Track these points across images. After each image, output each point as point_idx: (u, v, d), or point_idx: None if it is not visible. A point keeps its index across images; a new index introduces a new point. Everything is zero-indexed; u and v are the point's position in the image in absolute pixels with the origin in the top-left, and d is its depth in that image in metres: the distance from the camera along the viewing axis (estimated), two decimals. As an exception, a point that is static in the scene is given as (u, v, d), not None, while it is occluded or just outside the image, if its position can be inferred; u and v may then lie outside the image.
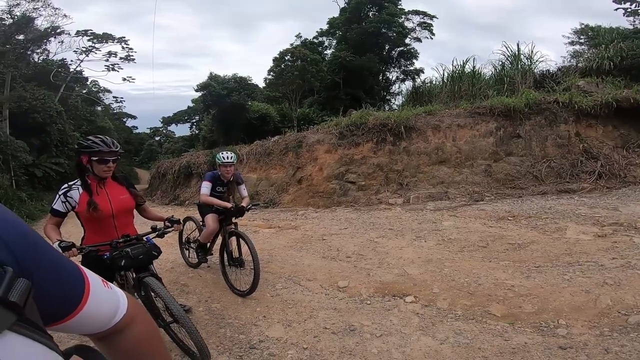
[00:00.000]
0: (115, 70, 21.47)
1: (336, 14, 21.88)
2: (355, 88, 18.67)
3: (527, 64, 11.29)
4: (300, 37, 22.55)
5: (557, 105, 8.51)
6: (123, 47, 20.76)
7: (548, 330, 2.67)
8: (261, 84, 21.78)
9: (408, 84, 19.65)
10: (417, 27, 21.11)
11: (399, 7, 20.39)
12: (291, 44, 21.07)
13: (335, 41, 22.08)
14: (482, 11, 50.60)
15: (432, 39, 21.42)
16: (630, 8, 13.93)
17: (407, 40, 21.12)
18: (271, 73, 18.17)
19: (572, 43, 15.41)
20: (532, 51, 11.29)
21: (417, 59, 21.63)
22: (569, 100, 8.53)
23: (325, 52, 22.32)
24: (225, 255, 3.69)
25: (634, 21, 14.07)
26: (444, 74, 11.82)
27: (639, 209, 5.42)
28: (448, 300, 3.18)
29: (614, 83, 9.97)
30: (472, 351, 2.44)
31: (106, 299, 0.58)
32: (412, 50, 21.34)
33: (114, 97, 31.50)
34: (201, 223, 4.00)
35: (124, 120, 37.98)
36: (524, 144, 8.27)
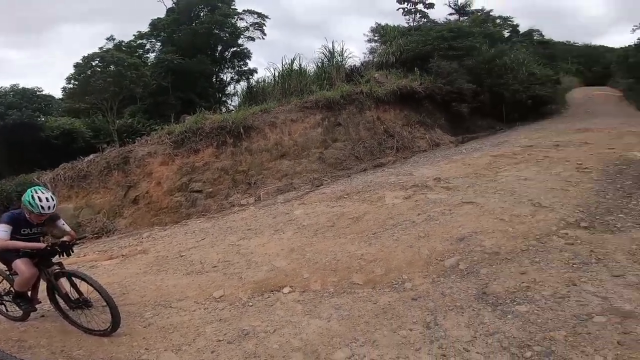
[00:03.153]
0: None
1: (161, 14, 19.77)
2: (186, 92, 17.35)
3: (339, 60, 13.23)
4: (114, 39, 19.21)
5: (362, 95, 10.48)
6: None
7: (399, 286, 3.35)
8: (59, 95, 17.58)
9: (243, 84, 19.62)
10: (250, 27, 21.27)
11: (232, 7, 19.95)
12: (100, 48, 17.67)
13: (159, 43, 19.92)
14: (306, 11, 55.10)
15: (264, 38, 21.98)
16: (407, 7, 18.09)
17: (240, 41, 20.98)
18: (72, 82, 14.87)
19: (369, 40, 18.67)
20: (342, 49, 13.51)
21: (250, 59, 21.68)
22: (369, 90, 10.65)
23: (148, 55, 19.86)
24: (60, 300, 3.02)
25: (409, 20, 18.34)
26: (275, 73, 12.55)
27: (426, 171, 7.41)
28: (319, 282, 3.57)
29: (396, 74, 12.95)
30: (355, 319, 2.89)
31: None
32: (245, 50, 21.30)
33: None
34: (8, 272, 3.11)
35: None
36: (344, 131, 9.84)
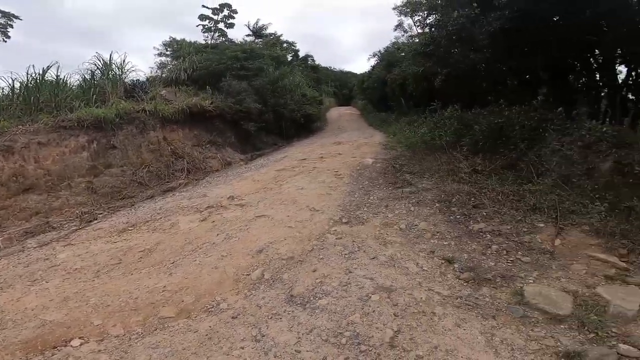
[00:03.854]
0: None
1: None
2: None
3: (118, 73, 11.38)
4: None
5: (145, 114, 9.40)
6: None
7: (215, 309, 3.21)
8: None
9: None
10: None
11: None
12: None
13: None
14: (84, 15, 43.10)
15: (5, 41, 15.52)
16: (207, 25, 17.36)
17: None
18: None
19: (160, 54, 16.92)
20: (124, 61, 11.59)
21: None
22: (154, 108, 9.68)
23: None
24: None
25: (207, 37, 17.70)
26: (13, 84, 9.11)
27: (220, 191, 7.41)
28: (119, 326, 3.03)
29: (186, 92, 12.36)
30: (180, 353, 2.64)
31: None
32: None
33: None
34: None
35: None
36: (121, 154, 8.47)
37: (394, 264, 3.85)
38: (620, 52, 8.25)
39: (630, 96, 9.69)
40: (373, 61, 24.54)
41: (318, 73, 36.53)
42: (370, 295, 3.26)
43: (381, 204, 5.77)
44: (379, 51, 23.93)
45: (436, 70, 11.90)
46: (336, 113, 29.42)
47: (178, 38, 16.89)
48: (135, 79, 12.85)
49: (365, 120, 23.77)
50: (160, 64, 15.84)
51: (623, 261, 3.53)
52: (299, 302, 3.26)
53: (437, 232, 4.58)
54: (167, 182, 8.65)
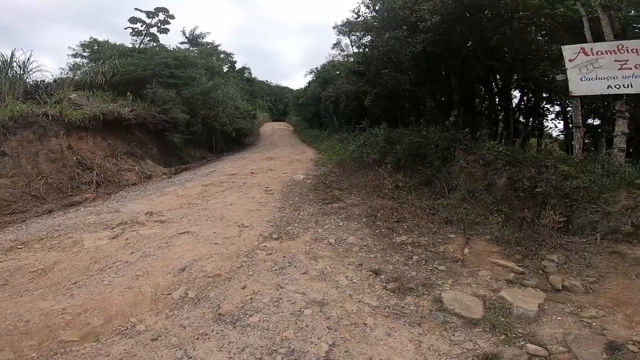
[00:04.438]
0: None
1: None
2: None
3: (19, 72, 10.02)
4: None
5: (46, 118, 8.21)
6: None
7: (130, 331, 2.87)
8: None
9: None
10: None
11: None
12: None
13: None
14: None
15: None
16: (137, 28, 15.68)
17: None
18: None
19: (75, 55, 14.92)
20: (28, 59, 10.21)
21: None
22: (59, 112, 8.52)
23: None
24: None
25: (136, 41, 16.00)
26: None
27: (136, 206, 6.73)
28: (9, 350, 2.60)
29: (102, 97, 11.11)
30: None
31: None
32: None
33: None
34: None
35: None
36: (12, 163, 7.23)
37: (325, 277, 3.86)
38: (515, 77, 9.76)
39: (521, 119, 11.45)
40: (309, 78, 25.27)
41: (254, 86, 36.29)
42: (302, 309, 3.21)
43: (311, 220, 5.80)
44: (316, 68, 24.80)
45: (367, 90, 12.72)
46: (270, 128, 29.33)
47: (100, 39, 15.24)
48: (39, 79, 11.33)
49: (299, 137, 24.11)
50: (74, 64, 14.08)
51: (519, 266, 4.04)
52: (228, 320, 3.05)
53: (365, 246, 4.74)
54: (70, 195, 7.57)
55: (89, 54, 14.83)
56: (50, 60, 41.15)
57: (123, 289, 3.54)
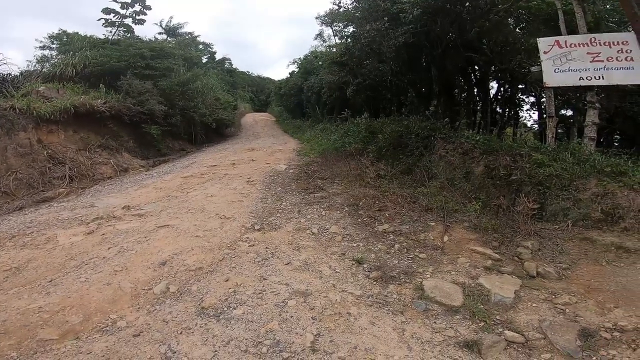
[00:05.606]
0: None
1: None
2: None
3: None
4: None
5: (14, 112, 7.84)
6: None
7: (111, 328, 2.81)
8: None
9: None
10: None
11: None
12: None
13: None
14: None
15: None
16: (111, 19, 14.84)
17: None
18: None
19: (43, 47, 14.12)
20: None
21: None
22: (27, 106, 8.15)
23: None
24: None
25: (110, 31, 15.19)
26: None
27: (112, 200, 6.52)
28: None
29: (73, 89, 10.65)
30: None
31: None
32: None
33: None
34: None
35: None
36: (-23, 158, 6.84)
37: (308, 268, 3.87)
38: (493, 69, 9.96)
39: (498, 109, 11.75)
40: (292, 68, 25.02)
41: (235, 77, 35.65)
42: (286, 301, 3.21)
43: (294, 210, 5.79)
44: (299, 59, 24.57)
45: (349, 80, 12.69)
46: (251, 119, 28.89)
47: (70, 31, 14.55)
48: (5, 72, 10.72)
49: (280, 127, 23.88)
50: (42, 57, 13.44)
51: (496, 253, 4.18)
52: (211, 313, 3.03)
53: (347, 235, 4.78)
54: (42, 191, 7.25)
55: (57, 45, 14.25)
56: (16, 52, 38.85)
57: (101, 285, 3.44)
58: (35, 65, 12.92)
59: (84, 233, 4.82)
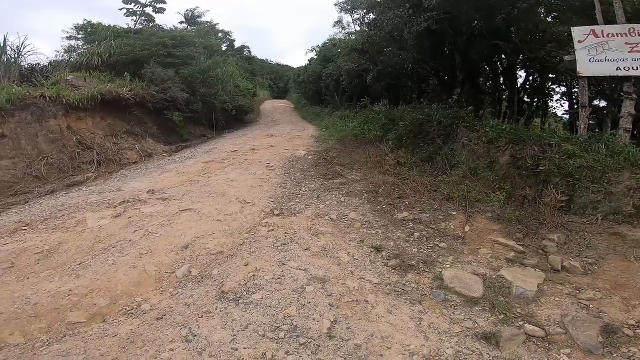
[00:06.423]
0: None
1: None
2: None
3: (13, 56, 10.10)
4: None
5: (44, 100, 8.15)
6: None
7: (136, 311, 2.92)
8: None
9: None
10: None
11: None
12: None
13: None
14: None
15: None
16: (132, 9, 15.27)
17: None
18: None
19: (69, 38, 14.78)
20: (22, 43, 10.19)
21: None
22: (56, 94, 8.49)
23: None
24: None
25: (133, 20, 15.65)
26: None
27: (138, 185, 6.73)
28: (18, 333, 2.64)
29: (100, 78, 11.04)
30: (98, 359, 2.40)
31: None
32: None
33: None
34: None
35: None
36: (12, 145, 7.18)
37: (327, 254, 3.90)
38: (522, 58, 9.52)
39: (526, 99, 11.27)
40: (310, 56, 24.83)
41: (254, 65, 35.76)
42: (305, 287, 3.25)
43: (313, 195, 5.81)
44: (317, 46, 24.35)
45: (369, 68, 12.45)
46: (270, 106, 28.96)
47: (94, 21, 15.01)
48: (35, 62, 11.26)
49: (299, 114, 23.83)
50: (69, 47, 13.96)
51: (520, 245, 4.07)
52: (231, 298, 3.10)
53: (366, 222, 4.77)
54: (72, 175, 7.57)
55: (83, 36, 14.71)
56: (44, 43, 40.30)
57: (127, 268, 3.57)
58: (63, 55, 13.46)
59: (112, 216, 5.02)
